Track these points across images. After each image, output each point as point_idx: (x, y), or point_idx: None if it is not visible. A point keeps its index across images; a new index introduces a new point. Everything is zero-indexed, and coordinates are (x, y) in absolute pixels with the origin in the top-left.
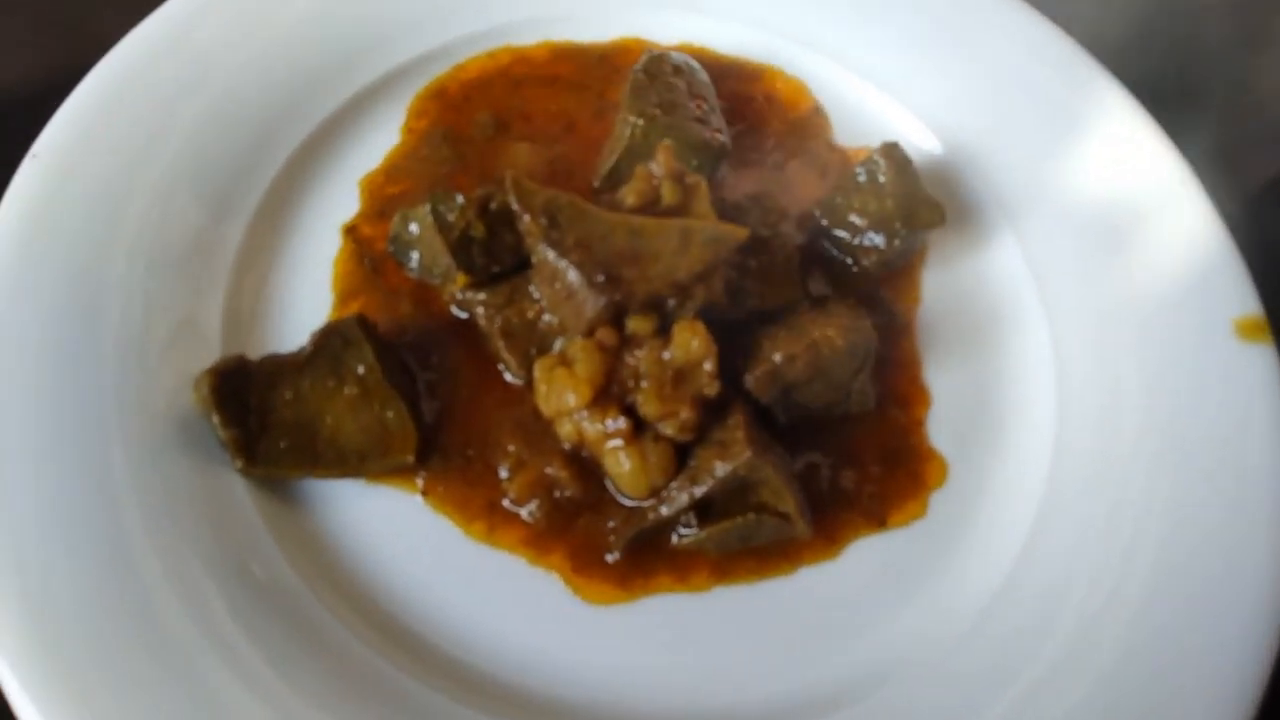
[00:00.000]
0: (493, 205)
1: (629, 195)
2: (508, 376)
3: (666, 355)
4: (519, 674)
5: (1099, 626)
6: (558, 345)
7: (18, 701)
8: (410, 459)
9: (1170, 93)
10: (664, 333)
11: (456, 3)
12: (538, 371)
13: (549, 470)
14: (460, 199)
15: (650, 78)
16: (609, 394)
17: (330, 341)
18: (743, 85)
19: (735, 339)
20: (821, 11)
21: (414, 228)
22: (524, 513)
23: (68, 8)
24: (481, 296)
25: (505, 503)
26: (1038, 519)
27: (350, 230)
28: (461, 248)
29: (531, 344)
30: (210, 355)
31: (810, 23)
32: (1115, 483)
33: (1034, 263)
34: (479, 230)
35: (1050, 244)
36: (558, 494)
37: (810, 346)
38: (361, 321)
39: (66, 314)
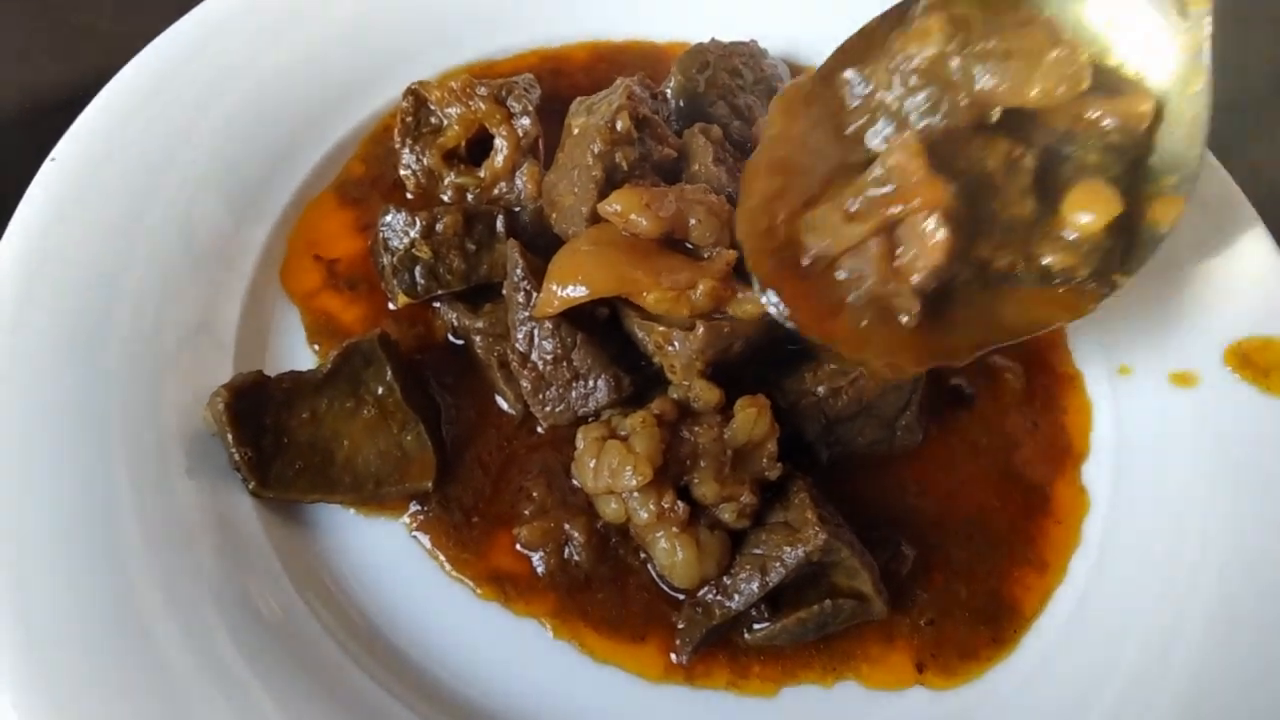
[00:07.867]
0: (439, 227)
1: None
2: (503, 405)
3: (726, 434)
4: None
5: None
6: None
7: None
8: (428, 485)
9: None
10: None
11: (490, 16)
12: (583, 442)
13: (567, 527)
14: (404, 218)
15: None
16: (665, 474)
17: (350, 360)
18: None
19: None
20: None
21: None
22: (535, 558)
23: (95, 16)
24: (480, 325)
25: (517, 546)
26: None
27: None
28: (404, 267)
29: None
30: (224, 370)
31: None
32: (1172, 535)
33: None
34: (424, 252)
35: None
36: (568, 554)
37: (855, 380)
38: (383, 340)
39: (76, 324)
